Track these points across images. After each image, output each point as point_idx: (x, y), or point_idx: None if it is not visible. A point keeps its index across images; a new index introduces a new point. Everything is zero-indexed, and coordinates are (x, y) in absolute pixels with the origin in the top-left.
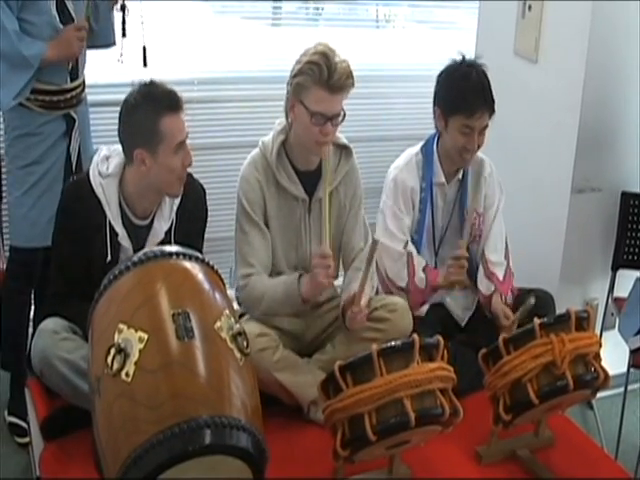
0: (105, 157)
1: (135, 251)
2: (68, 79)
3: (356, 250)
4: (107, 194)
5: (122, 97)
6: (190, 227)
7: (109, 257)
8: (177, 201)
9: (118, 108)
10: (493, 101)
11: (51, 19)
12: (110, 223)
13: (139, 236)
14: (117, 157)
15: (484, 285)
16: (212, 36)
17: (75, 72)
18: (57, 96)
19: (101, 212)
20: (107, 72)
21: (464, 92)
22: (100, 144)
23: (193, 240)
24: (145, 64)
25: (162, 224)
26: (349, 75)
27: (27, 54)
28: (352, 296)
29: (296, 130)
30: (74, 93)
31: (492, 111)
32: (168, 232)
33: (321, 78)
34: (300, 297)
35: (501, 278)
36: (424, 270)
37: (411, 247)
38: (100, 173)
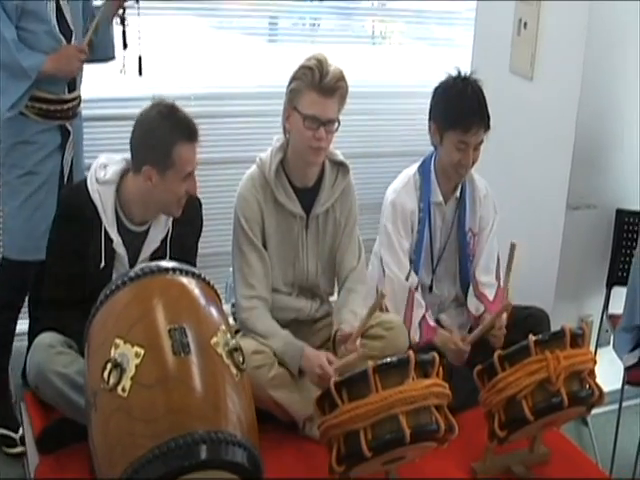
0: (103, 165)
1: (130, 258)
2: (66, 90)
3: (348, 269)
4: (103, 200)
5: (116, 112)
6: (185, 237)
7: (103, 263)
8: None
9: (112, 123)
10: (488, 117)
11: (51, 28)
12: (105, 229)
13: (135, 242)
14: (115, 165)
15: (473, 306)
16: (209, 52)
17: (73, 83)
18: (54, 105)
19: (97, 218)
20: (102, 86)
21: (460, 108)
22: (92, 159)
23: (187, 251)
24: (140, 73)
25: (158, 232)
26: (340, 78)
27: (25, 65)
28: (347, 335)
29: (292, 141)
30: (71, 105)
31: (487, 127)
32: (164, 240)
33: (313, 81)
34: (297, 366)
35: (491, 299)
36: (420, 324)
37: (413, 278)
38: (97, 179)
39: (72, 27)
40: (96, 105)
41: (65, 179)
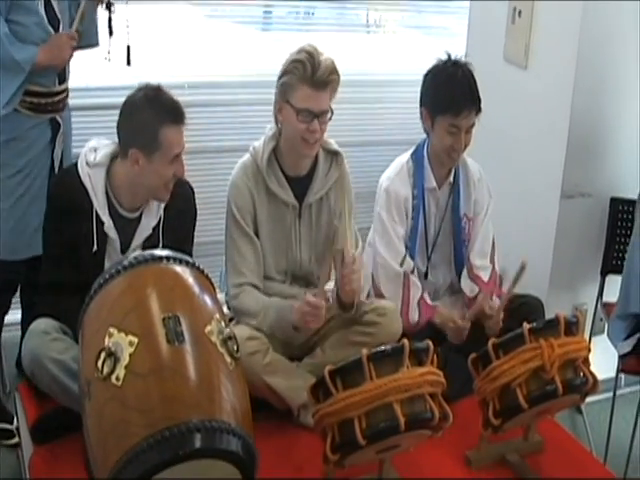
0: (93, 148)
1: (122, 243)
2: (56, 81)
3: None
4: (94, 183)
5: (110, 101)
6: (179, 226)
7: (95, 247)
8: None
9: (105, 112)
10: (479, 99)
11: (40, 20)
12: (96, 212)
13: (127, 229)
14: (105, 148)
15: (467, 287)
16: (203, 40)
17: (63, 75)
18: (45, 99)
19: (88, 201)
20: (95, 75)
21: (450, 92)
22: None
23: (182, 240)
24: (129, 63)
25: (150, 219)
26: (333, 70)
27: (19, 58)
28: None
29: (285, 132)
30: (61, 97)
31: (478, 110)
32: (156, 228)
33: (305, 75)
34: (291, 324)
35: (485, 280)
36: (419, 304)
37: (408, 263)
38: (88, 163)
39: (59, 16)
40: (88, 94)
41: (56, 171)
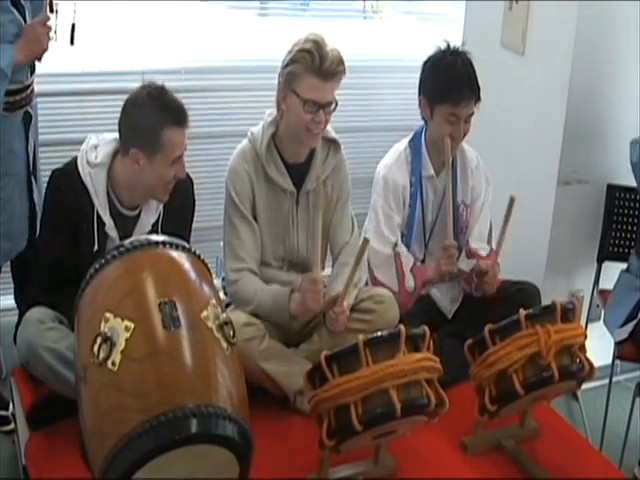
0: (94, 146)
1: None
2: (28, 74)
3: (342, 244)
4: (95, 184)
5: (105, 86)
6: (177, 220)
7: (96, 246)
8: None
9: (107, 97)
10: (479, 89)
11: (14, 16)
12: (98, 213)
13: (126, 226)
14: (106, 146)
15: (465, 264)
16: (199, 25)
17: (33, 66)
18: (20, 94)
19: (89, 201)
20: (93, 61)
21: (450, 81)
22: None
23: (180, 228)
24: (72, 42)
25: (149, 216)
26: (340, 62)
27: (2, 65)
28: (334, 297)
29: (288, 120)
30: (32, 88)
31: (478, 99)
32: (155, 224)
33: (313, 65)
34: (288, 312)
35: (484, 254)
36: (412, 271)
37: (401, 249)
38: (89, 162)
39: (23, 3)
40: (77, 79)
41: (31, 165)
